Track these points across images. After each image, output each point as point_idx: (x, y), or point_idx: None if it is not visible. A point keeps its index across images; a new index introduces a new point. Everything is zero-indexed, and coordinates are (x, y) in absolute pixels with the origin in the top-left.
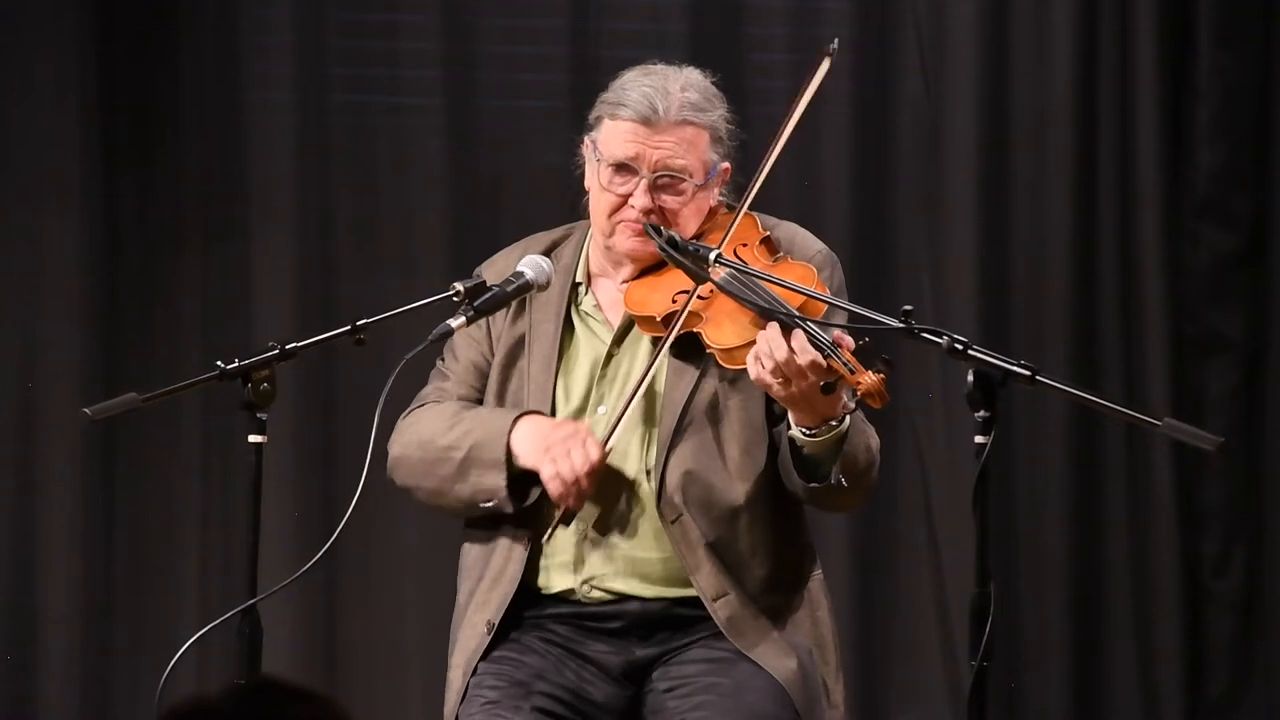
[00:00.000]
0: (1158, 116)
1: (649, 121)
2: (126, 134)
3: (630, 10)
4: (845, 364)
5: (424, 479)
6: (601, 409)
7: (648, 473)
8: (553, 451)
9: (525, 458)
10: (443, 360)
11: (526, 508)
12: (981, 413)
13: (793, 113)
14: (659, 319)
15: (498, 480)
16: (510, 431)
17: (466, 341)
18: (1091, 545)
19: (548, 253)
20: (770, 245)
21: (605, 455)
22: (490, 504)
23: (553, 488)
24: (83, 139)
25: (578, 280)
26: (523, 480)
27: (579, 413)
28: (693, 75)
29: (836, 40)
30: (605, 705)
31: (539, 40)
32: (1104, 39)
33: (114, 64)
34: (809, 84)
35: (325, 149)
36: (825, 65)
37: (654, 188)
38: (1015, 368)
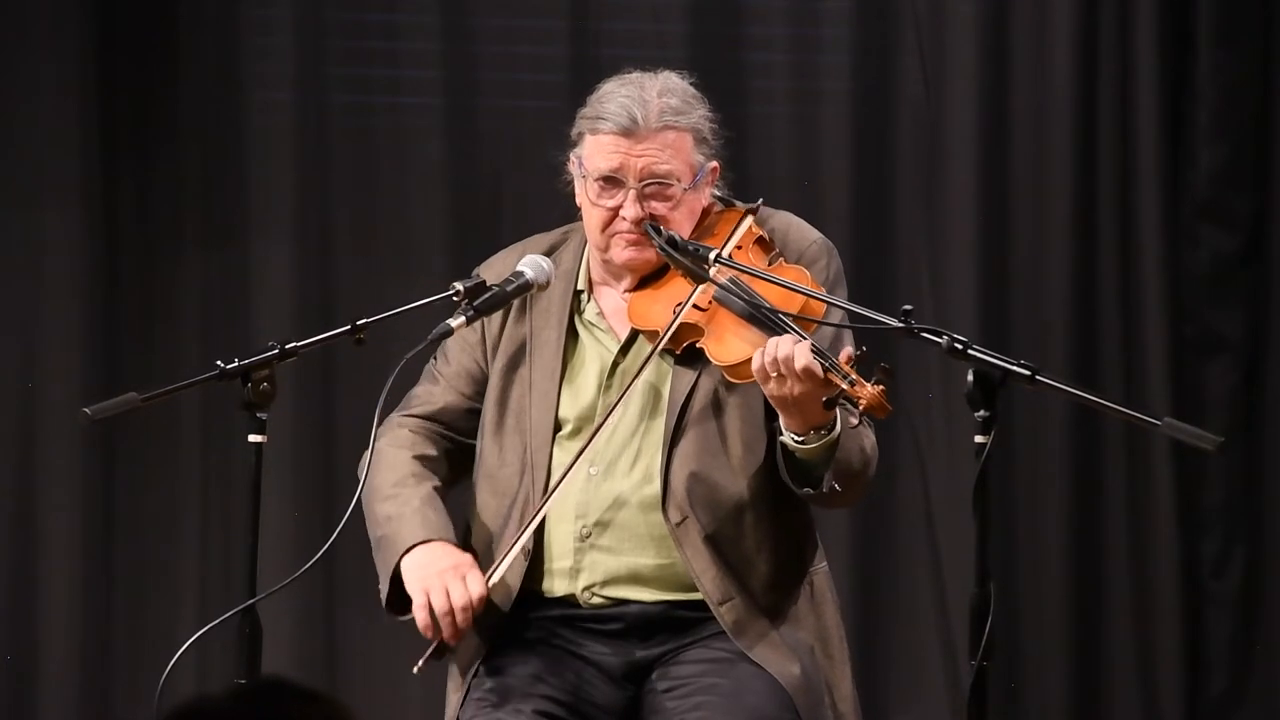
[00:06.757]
0: (1158, 117)
1: (630, 132)
2: (126, 134)
3: (630, 10)
4: (845, 376)
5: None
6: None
7: (649, 474)
8: (429, 583)
9: (408, 583)
10: (435, 361)
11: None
12: (981, 413)
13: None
14: (662, 332)
15: (383, 585)
16: (406, 553)
17: (460, 345)
18: (1091, 545)
19: (547, 254)
20: (764, 245)
21: (486, 593)
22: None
23: (419, 618)
24: (83, 139)
25: (579, 288)
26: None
27: (585, 421)
28: (670, 80)
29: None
30: (605, 706)
31: (539, 40)
32: (1104, 39)
33: (114, 64)
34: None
35: (325, 149)
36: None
37: (642, 196)
38: (1015, 368)
